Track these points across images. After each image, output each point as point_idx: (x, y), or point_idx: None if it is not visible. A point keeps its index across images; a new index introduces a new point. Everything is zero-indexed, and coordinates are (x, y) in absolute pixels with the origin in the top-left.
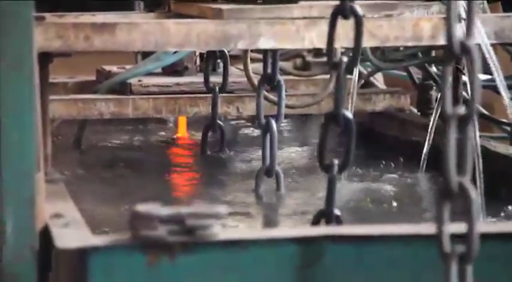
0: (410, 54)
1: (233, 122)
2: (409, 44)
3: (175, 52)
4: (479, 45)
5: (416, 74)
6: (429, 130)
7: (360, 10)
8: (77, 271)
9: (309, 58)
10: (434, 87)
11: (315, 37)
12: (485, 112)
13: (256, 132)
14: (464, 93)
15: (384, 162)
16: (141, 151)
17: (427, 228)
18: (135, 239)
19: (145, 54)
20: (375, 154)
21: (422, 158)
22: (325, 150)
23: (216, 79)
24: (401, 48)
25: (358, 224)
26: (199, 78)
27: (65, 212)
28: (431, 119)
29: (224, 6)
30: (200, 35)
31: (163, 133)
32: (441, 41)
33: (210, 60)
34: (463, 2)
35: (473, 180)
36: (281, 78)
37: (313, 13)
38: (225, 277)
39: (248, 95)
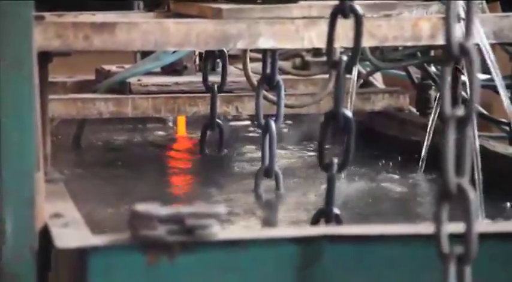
0: (409, 54)
1: (232, 122)
2: (408, 43)
3: (174, 51)
4: (478, 45)
5: (416, 73)
6: (428, 130)
7: (359, 9)
8: (76, 271)
9: (308, 58)
10: (433, 87)
11: (314, 37)
12: (484, 112)
13: (256, 131)
14: (463, 93)
15: (383, 162)
16: (140, 150)
17: (426, 228)
18: (135, 239)
19: (145, 54)
20: (374, 154)
21: (421, 158)
22: (325, 149)
23: (215, 79)
24: (399, 48)
25: (356, 223)
26: (198, 78)
27: (65, 211)
28: (430, 119)
29: (223, 6)
30: (200, 34)
31: (162, 133)
32: (440, 41)
33: (209, 59)
34: (462, 2)
35: (472, 181)
36: (280, 78)
37: (312, 13)
38: (224, 277)
39: (247, 95)
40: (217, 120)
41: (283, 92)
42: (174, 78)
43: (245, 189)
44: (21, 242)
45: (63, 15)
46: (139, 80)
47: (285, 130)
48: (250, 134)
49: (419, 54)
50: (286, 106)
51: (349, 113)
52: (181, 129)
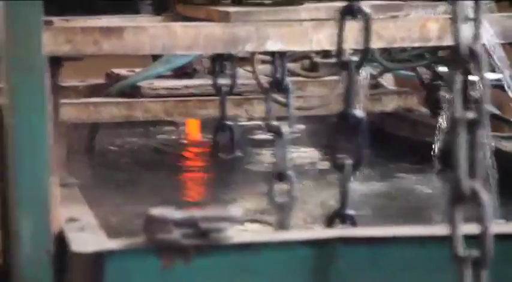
0: (417, 55)
1: (243, 124)
2: (416, 44)
3: None
4: (486, 45)
5: (425, 74)
6: (438, 130)
7: (367, 9)
8: (92, 275)
9: (317, 59)
10: (442, 87)
11: (322, 38)
12: (497, 112)
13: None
14: (472, 93)
15: (395, 163)
16: (152, 154)
17: (441, 229)
18: (150, 243)
19: (155, 57)
20: (386, 154)
21: (434, 159)
22: (338, 150)
23: (225, 81)
24: (408, 48)
25: (370, 225)
26: (208, 81)
27: (80, 216)
28: (441, 120)
29: (231, 9)
30: (208, 37)
31: (174, 136)
32: (448, 42)
33: (218, 62)
34: (470, 2)
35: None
36: (289, 81)
37: (320, 15)
38: (239, 280)
39: (256, 97)
40: (228, 122)
41: (292, 96)
42: (184, 81)
43: (258, 191)
44: (37, 247)
45: (71, 20)
46: (150, 84)
47: (298, 132)
48: (263, 136)
49: (427, 54)
50: (295, 108)
51: (361, 113)
52: (194, 132)
